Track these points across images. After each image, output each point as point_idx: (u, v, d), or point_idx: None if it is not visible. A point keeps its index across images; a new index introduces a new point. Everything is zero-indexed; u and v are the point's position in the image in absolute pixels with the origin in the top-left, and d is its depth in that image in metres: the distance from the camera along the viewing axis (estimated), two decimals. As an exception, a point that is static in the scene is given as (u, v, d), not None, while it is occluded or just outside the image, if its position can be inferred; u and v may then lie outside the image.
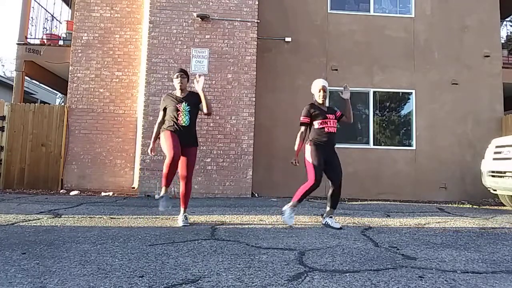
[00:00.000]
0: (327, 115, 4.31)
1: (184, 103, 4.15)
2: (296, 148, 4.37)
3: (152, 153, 4.34)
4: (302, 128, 4.34)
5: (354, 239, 3.51)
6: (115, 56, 8.58)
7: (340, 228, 4.15)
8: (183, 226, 4.08)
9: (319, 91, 4.36)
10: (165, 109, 4.24)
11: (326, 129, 4.27)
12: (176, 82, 4.26)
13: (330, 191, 4.37)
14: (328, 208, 4.34)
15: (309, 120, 4.31)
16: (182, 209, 4.25)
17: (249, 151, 7.83)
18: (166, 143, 4.06)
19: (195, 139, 4.28)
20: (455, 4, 9.13)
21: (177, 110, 4.12)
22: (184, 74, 4.29)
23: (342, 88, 4.51)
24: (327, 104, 4.65)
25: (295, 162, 4.38)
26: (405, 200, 8.04)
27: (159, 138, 4.27)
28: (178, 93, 4.27)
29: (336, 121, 4.40)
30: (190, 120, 4.16)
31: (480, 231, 4.12)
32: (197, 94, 4.28)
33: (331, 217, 4.32)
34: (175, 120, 4.11)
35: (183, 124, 4.11)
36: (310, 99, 4.52)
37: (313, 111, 4.31)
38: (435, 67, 8.92)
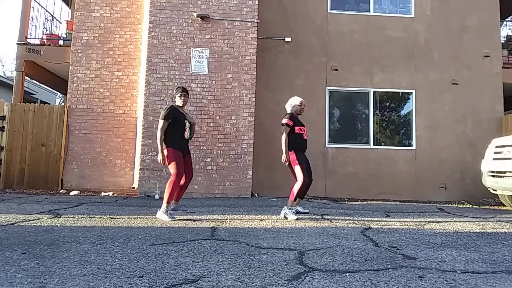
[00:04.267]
0: (303, 124, 5.06)
1: (187, 120, 4.73)
2: (286, 146, 4.86)
3: (164, 163, 4.58)
4: (288, 129, 4.87)
5: (354, 239, 3.50)
6: (115, 56, 8.58)
7: (307, 212, 5.17)
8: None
9: (301, 104, 5.08)
10: (171, 120, 4.57)
11: (303, 136, 4.95)
12: (180, 101, 4.75)
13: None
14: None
15: (292, 124, 4.89)
16: (175, 203, 4.75)
17: (249, 151, 7.83)
18: (178, 163, 4.50)
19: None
20: (455, 4, 9.14)
21: (185, 125, 4.67)
22: (187, 94, 4.85)
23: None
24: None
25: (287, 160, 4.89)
26: (405, 200, 8.04)
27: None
28: (180, 109, 4.79)
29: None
30: (190, 135, 4.76)
31: (480, 231, 4.12)
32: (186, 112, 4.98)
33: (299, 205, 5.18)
34: (182, 134, 4.64)
35: (187, 138, 4.72)
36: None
37: (295, 119, 4.98)
38: (435, 67, 8.93)
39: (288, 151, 4.82)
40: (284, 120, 4.90)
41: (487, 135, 8.16)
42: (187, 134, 4.69)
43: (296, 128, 4.88)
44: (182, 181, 4.66)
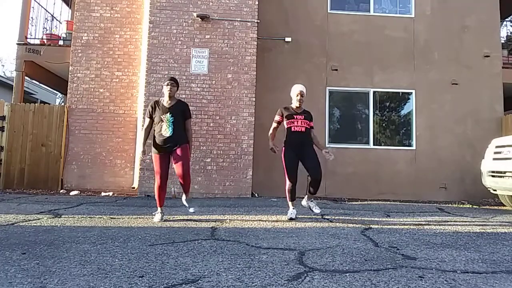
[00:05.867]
0: (296, 116, 4.68)
1: (168, 114, 4.37)
2: (270, 139, 4.79)
3: (145, 156, 4.66)
4: (274, 124, 4.81)
5: (354, 239, 3.50)
6: (115, 56, 8.58)
7: (320, 213, 4.86)
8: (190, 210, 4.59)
9: (297, 96, 4.73)
10: (151, 116, 4.51)
11: (292, 128, 4.65)
12: (166, 90, 4.45)
13: (309, 179, 4.69)
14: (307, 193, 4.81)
15: (281, 119, 4.75)
16: (184, 196, 4.66)
17: (249, 151, 7.83)
18: (154, 165, 4.47)
19: (182, 139, 4.44)
20: (455, 4, 9.13)
21: (162, 120, 4.38)
22: (175, 83, 4.51)
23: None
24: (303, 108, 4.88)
25: (274, 148, 4.69)
26: (405, 200, 8.04)
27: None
28: (165, 100, 4.48)
29: (306, 121, 4.69)
30: (174, 131, 4.35)
31: (480, 231, 4.12)
32: (183, 103, 4.61)
33: (312, 200, 4.89)
34: (159, 131, 4.39)
35: (167, 135, 4.36)
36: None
37: (285, 112, 4.75)
38: (435, 67, 8.92)
39: (273, 144, 4.73)
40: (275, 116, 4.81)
41: (487, 135, 8.15)
42: (166, 131, 4.33)
43: (286, 122, 4.69)
44: (180, 176, 4.44)
